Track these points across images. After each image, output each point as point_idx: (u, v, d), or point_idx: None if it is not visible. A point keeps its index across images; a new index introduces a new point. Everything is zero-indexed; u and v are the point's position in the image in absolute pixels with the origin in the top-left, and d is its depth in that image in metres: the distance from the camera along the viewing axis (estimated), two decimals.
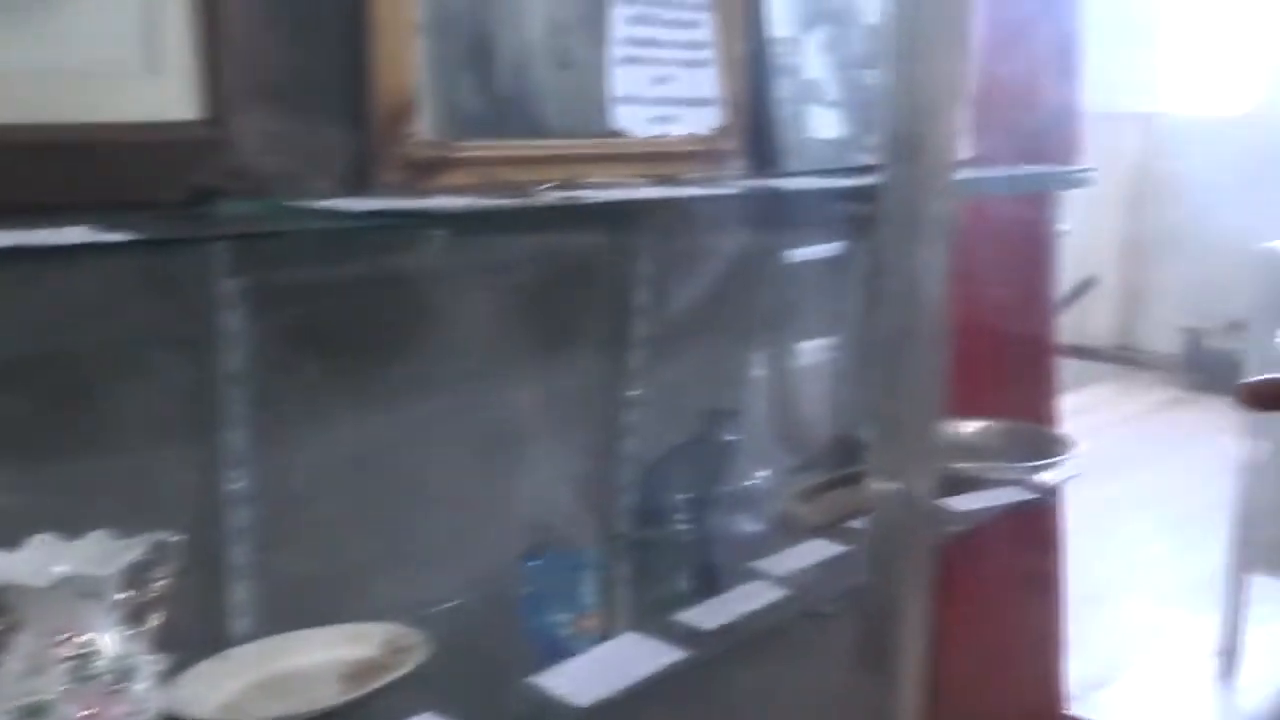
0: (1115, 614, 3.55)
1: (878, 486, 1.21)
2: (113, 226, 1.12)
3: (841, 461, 2.02)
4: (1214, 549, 3.32)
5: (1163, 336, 6.13)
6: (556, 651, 1.55)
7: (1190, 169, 5.74)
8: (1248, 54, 5.96)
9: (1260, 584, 3.26)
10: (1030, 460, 2.22)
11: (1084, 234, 6.26)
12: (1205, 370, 5.67)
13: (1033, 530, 2.53)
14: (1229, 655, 3.25)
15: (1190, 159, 5.79)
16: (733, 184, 1.75)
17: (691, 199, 1.70)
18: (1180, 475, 4.74)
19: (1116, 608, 3.59)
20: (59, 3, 1.21)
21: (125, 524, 1.23)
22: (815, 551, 1.83)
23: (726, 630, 1.65)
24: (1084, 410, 5.84)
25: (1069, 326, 6.09)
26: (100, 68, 1.25)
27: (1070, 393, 6.24)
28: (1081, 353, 5.88)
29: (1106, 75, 6.65)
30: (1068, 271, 6.77)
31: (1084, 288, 6.49)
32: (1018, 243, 2.43)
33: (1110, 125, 6.43)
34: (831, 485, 1.97)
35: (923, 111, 1.19)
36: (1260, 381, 1.09)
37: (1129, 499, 4.50)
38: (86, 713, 1.18)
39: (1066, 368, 6.41)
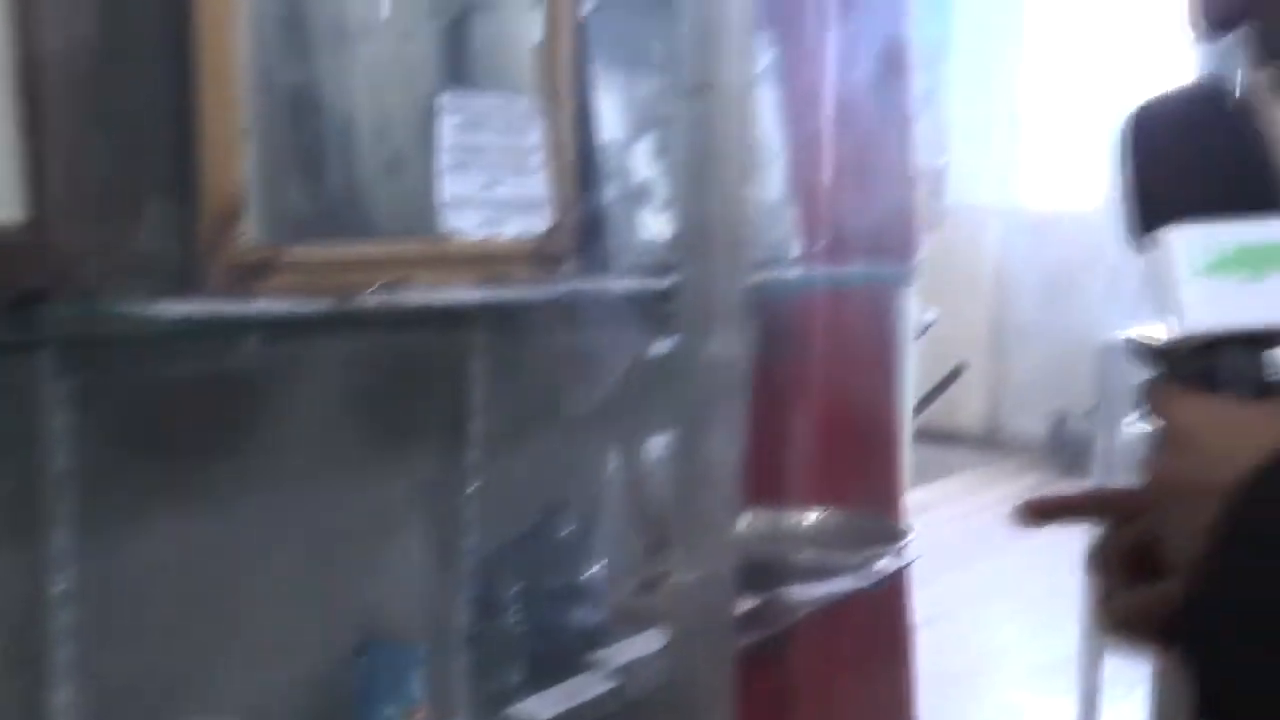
0: (973, 697, 3.63)
1: (676, 578, 1.27)
2: None
3: None
4: (1071, 631, 3.42)
5: (1029, 422, 6.32)
6: None
7: (1049, 260, 5.97)
8: (1099, 151, 6.22)
9: (1114, 665, 3.36)
10: (868, 548, 2.30)
11: (952, 323, 6.46)
12: (1069, 454, 5.85)
13: (881, 616, 2.60)
14: None
15: (1049, 251, 6.02)
16: (562, 285, 1.82)
17: (521, 300, 1.77)
18: (1041, 557, 4.87)
19: (974, 691, 3.67)
20: None
21: None
22: (651, 642, 1.88)
23: None
24: (951, 497, 5.99)
25: (938, 414, 6.26)
26: None
27: (939, 480, 6.40)
28: (950, 439, 6.04)
29: (972, 171, 6.92)
30: (937, 360, 6.98)
31: (952, 376, 6.67)
32: (862, 336, 2.53)
33: (976, 218, 6.68)
34: (669, 576, 2.02)
35: (713, 216, 1.27)
36: (1037, 500, 1.12)
37: (989, 583, 4.63)
38: None
39: (936, 455, 6.58)
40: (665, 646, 1.38)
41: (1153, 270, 0.82)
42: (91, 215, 1.39)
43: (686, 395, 1.32)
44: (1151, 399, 0.82)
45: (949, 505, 5.80)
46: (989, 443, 6.44)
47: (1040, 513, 0.98)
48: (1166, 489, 0.78)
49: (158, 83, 1.48)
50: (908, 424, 2.86)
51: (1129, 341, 0.88)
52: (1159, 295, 0.81)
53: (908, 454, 6.36)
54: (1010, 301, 6.35)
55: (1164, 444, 0.80)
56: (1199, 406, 0.79)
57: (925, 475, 6.36)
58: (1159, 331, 0.84)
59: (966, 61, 6.56)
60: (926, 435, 6.35)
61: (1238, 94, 0.90)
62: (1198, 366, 0.81)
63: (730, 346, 1.30)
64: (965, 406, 6.32)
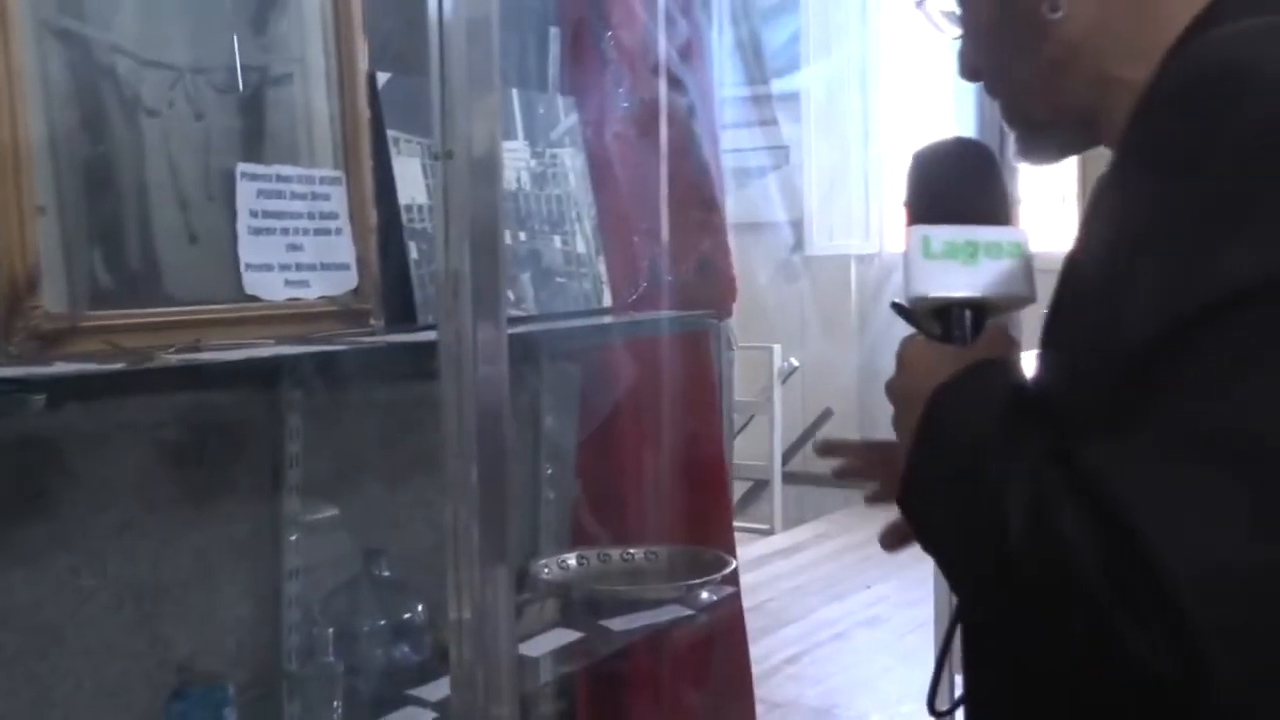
0: None
1: (453, 617, 1.36)
2: None
3: None
4: (931, 662, 3.54)
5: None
6: None
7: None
8: None
9: None
10: (692, 579, 2.41)
11: (819, 369, 6.63)
12: None
13: (716, 644, 2.70)
14: None
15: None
16: (369, 339, 1.92)
17: (329, 354, 1.86)
18: (910, 589, 5.02)
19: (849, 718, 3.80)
20: None
21: None
22: None
23: None
24: (822, 537, 6.13)
25: (809, 458, 6.40)
26: None
27: (811, 520, 6.53)
28: (821, 481, 6.18)
29: (831, 221, 7.12)
30: (806, 406, 7.11)
31: (821, 420, 6.83)
32: (679, 380, 2.63)
33: (837, 265, 6.87)
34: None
35: (461, 271, 1.37)
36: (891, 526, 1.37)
37: (855, 617, 4.76)
38: None
39: (808, 496, 6.71)
40: (451, 684, 1.45)
41: (905, 253, 1.09)
42: None
43: (451, 440, 1.40)
44: (900, 345, 1.11)
45: (820, 544, 5.94)
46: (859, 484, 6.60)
47: (892, 533, 1.34)
48: (895, 400, 1.08)
49: None
50: (731, 460, 2.96)
51: (892, 304, 1.11)
52: (905, 271, 1.08)
53: (778, 496, 6.50)
54: (874, 344, 6.52)
55: (896, 371, 1.10)
56: (919, 345, 1.09)
57: (798, 516, 6.52)
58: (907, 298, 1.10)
59: (822, 116, 6.78)
60: (798, 478, 6.51)
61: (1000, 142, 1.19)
62: (934, 324, 1.09)
63: (491, 392, 1.38)
64: None
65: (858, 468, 1.45)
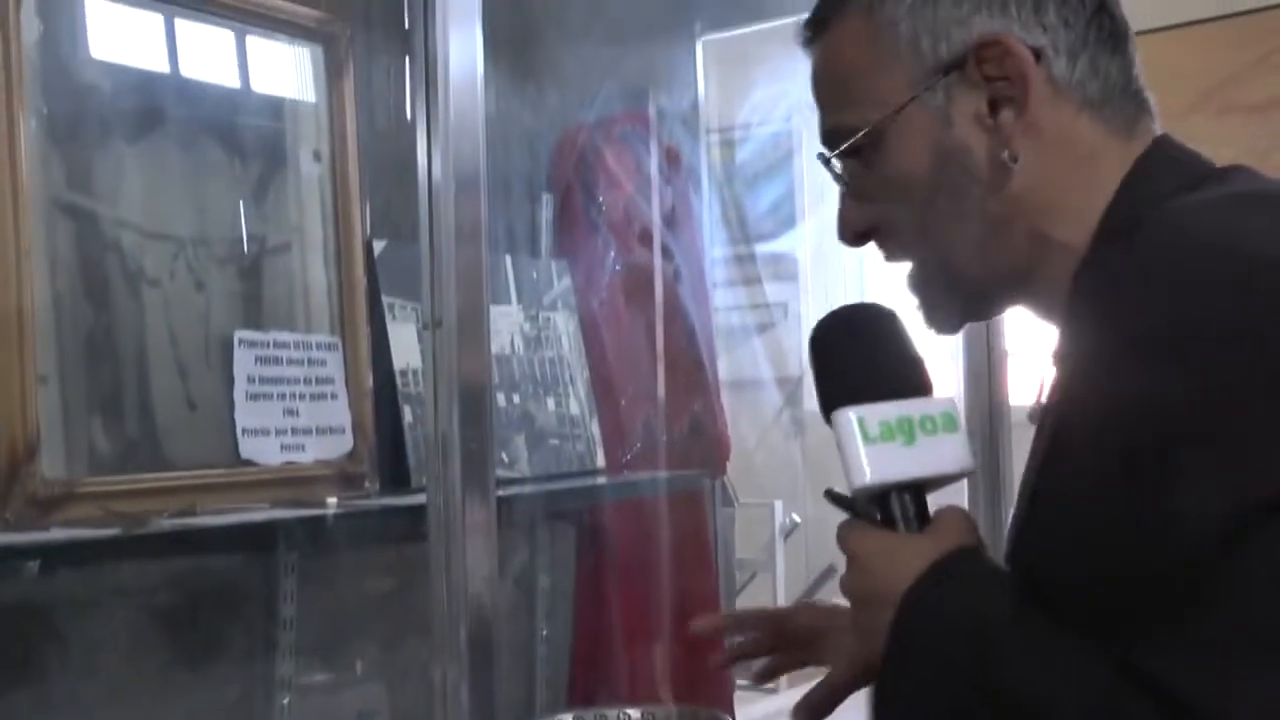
0: None
1: None
2: None
3: None
4: None
5: None
6: None
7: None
8: (941, 350, 6.52)
9: None
10: None
11: (820, 525, 6.60)
12: None
13: None
14: None
15: None
16: (364, 502, 1.95)
17: (323, 517, 1.89)
18: None
19: None
20: None
21: None
22: None
23: None
24: None
25: None
26: None
27: (818, 676, 6.46)
28: None
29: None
30: (810, 561, 7.09)
31: (824, 577, 6.79)
32: (674, 538, 2.65)
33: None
34: None
35: (450, 436, 1.41)
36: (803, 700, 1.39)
37: None
38: None
39: None
40: None
41: (836, 440, 1.02)
42: None
43: (440, 603, 1.42)
44: (840, 536, 1.05)
45: None
46: None
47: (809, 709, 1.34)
48: (854, 601, 1.03)
49: None
50: (752, 602, 2.97)
51: (826, 493, 1.10)
52: (843, 459, 1.01)
53: None
54: None
55: (848, 568, 1.04)
56: (871, 538, 1.03)
57: (805, 674, 6.44)
58: (845, 485, 1.02)
59: (815, 275, 6.88)
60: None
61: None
62: (874, 509, 1.03)
63: (480, 556, 1.41)
64: (839, 604, 6.44)
65: (760, 645, 1.45)
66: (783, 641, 1.39)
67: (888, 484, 1.01)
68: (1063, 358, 0.99)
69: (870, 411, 1.01)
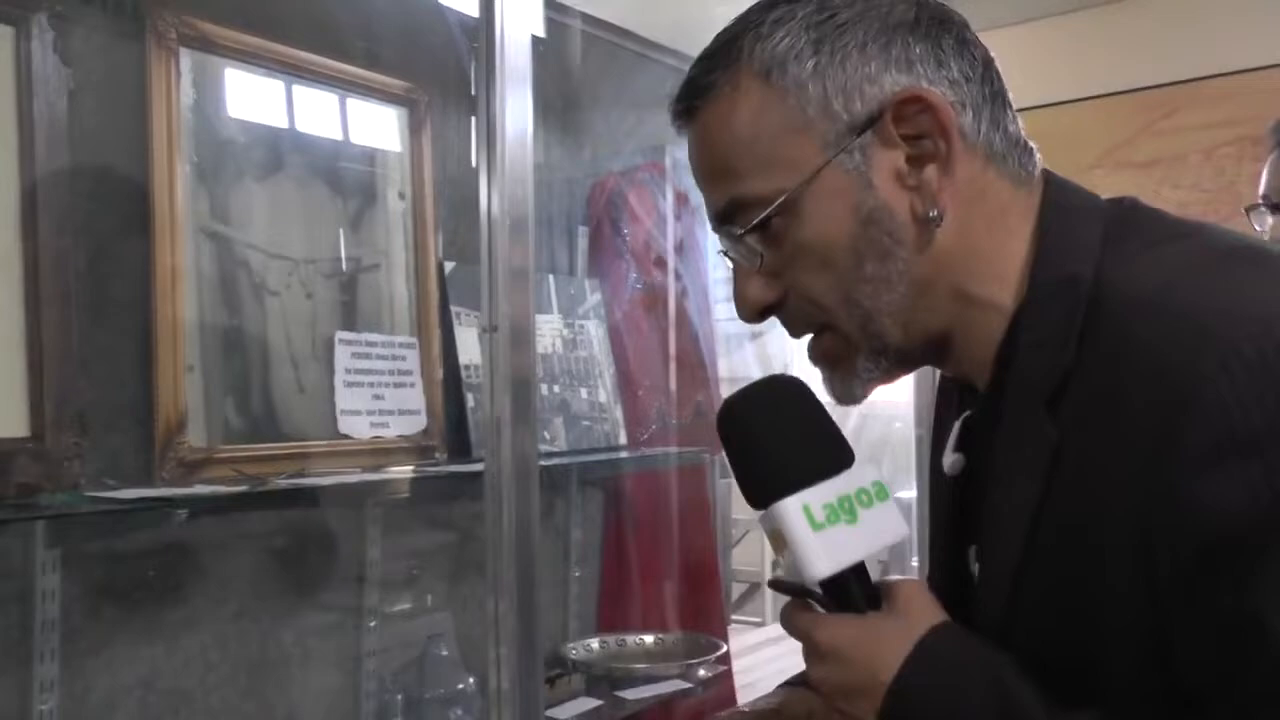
0: None
1: (493, 686, 1.42)
2: None
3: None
4: None
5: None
6: None
7: (874, 441, 6.19)
8: None
9: None
10: (692, 659, 2.46)
11: None
12: None
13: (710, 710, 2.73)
14: None
15: (875, 433, 6.25)
16: (433, 469, 2.03)
17: (402, 480, 1.97)
18: None
19: None
20: None
21: None
22: None
23: None
24: None
25: None
26: None
27: None
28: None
29: (812, 376, 7.18)
30: None
31: None
32: (681, 502, 2.71)
33: None
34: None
35: (503, 417, 1.46)
36: None
37: None
38: None
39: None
40: None
41: (774, 529, 0.82)
42: (75, 429, 1.59)
43: (493, 546, 1.45)
44: (799, 628, 0.84)
45: None
46: None
47: None
48: (833, 693, 0.83)
49: (125, 332, 1.69)
50: (729, 565, 3.02)
51: (771, 581, 0.90)
52: (791, 551, 0.81)
53: (768, 595, 6.47)
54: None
55: (815, 659, 0.83)
56: (840, 628, 0.82)
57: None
58: (789, 571, 0.83)
59: None
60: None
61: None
62: (823, 592, 0.83)
63: (524, 511, 1.43)
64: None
65: None
66: None
67: (843, 569, 0.82)
68: (1007, 424, 0.83)
69: (812, 497, 0.81)
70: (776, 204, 0.83)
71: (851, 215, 0.82)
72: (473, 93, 2.06)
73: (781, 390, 0.87)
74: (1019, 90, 0.89)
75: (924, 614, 0.82)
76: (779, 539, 0.81)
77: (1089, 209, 0.85)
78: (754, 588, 6.56)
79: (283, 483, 1.74)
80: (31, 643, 1.58)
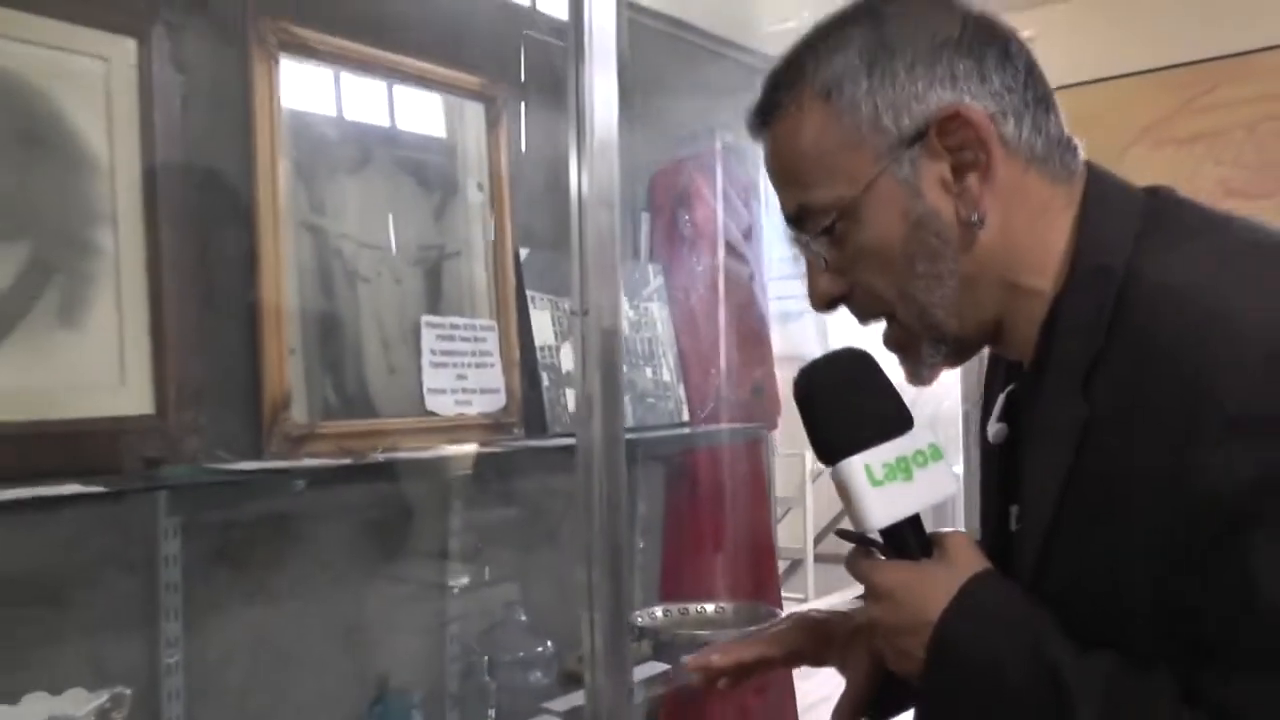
0: None
1: (586, 645, 1.51)
2: (91, 483, 1.48)
3: None
4: None
5: None
6: None
7: None
8: None
9: None
10: (750, 625, 2.58)
11: None
12: None
13: (765, 685, 2.85)
14: None
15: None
16: (512, 444, 2.15)
17: (483, 455, 2.09)
18: None
19: None
20: (68, 347, 1.60)
21: (101, 682, 1.52)
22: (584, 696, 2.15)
23: None
24: (845, 605, 6.20)
25: (835, 541, 6.47)
26: (92, 383, 1.62)
27: (836, 591, 6.57)
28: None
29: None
30: (832, 499, 7.13)
31: (845, 512, 6.94)
32: (738, 476, 2.82)
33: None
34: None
35: (594, 396, 1.53)
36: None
37: None
38: None
39: (834, 573, 6.71)
40: (586, 695, 1.58)
41: (840, 482, 0.94)
42: (194, 408, 1.73)
43: (587, 517, 1.45)
44: (859, 571, 0.96)
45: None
46: None
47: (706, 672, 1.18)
48: (887, 630, 0.94)
49: (233, 317, 1.82)
50: (788, 532, 3.12)
51: (837, 532, 1.05)
52: (852, 504, 0.93)
53: (811, 572, 6.57)
54: None
55: (873, 600, 0.95)
56: (895, 572, 0.93)
57: (827, 588, 6.60)
58: (853, 521, 0.95)
59: None
60: (826, 558, 6.60)
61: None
62: (882, 541, 0.95)
63: (613, 485, 1.47)
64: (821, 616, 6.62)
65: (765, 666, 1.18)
66: (779, 662, 1.19)
67: (897, 521, 0.93)
68: (1046, 395, 0.91)
69: (872, 457, 0.93)
70: (837, 211, 0.93)
71: (903, 220, 0.92)
72: (550, 86, 2.17)
73: (851, 361, 0.99)
74: (1059, 68, 0.97)
75: (969, 562, 0.92)
76: (844, 492, 0.93)
77: (1125, 200, 0.93)
78: (796, 564, 6.67)
79: (381, 456, 1.87)
80: (158, 602, 1.72)
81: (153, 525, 1.71)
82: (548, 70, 2.31)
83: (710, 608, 2.69)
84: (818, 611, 1.20)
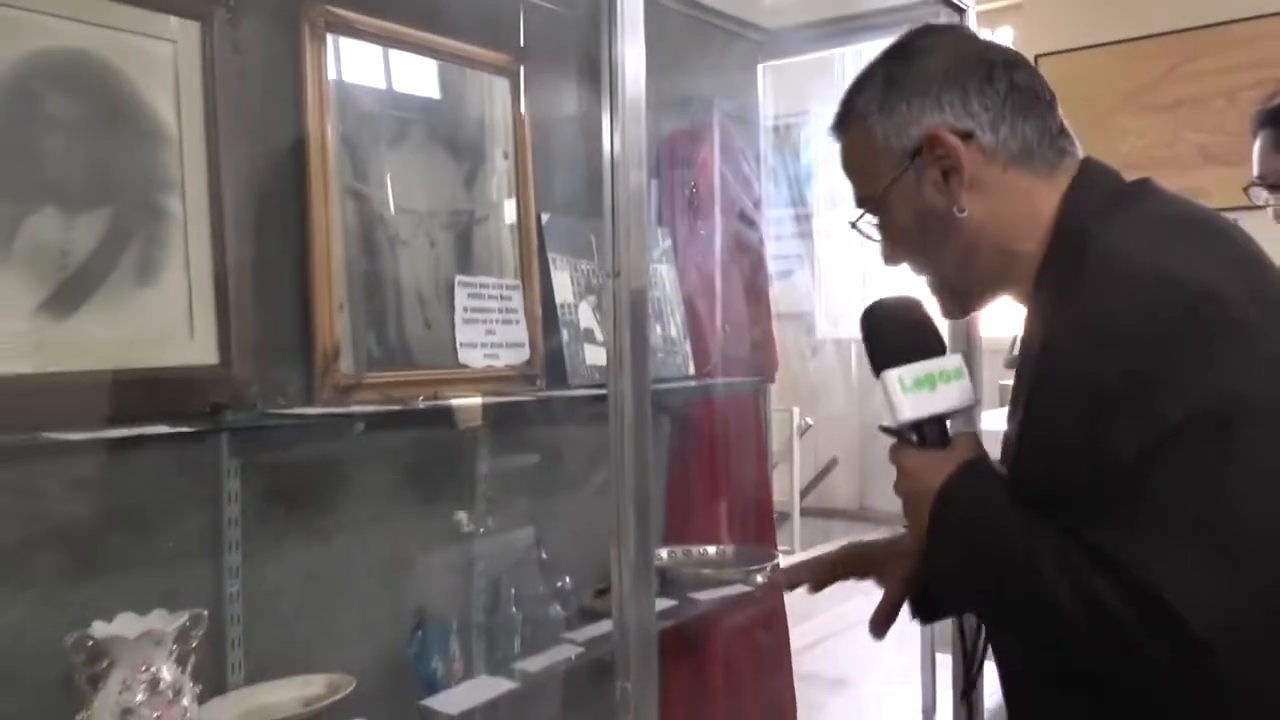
0: (846, 692, 4.05)
1: (615, 577, 1.65)
2: (172, 425, 1.65)
3: None
4: (915, 646, 3.82)
5: (887, 500, 6.73)
6: (435, 686, 2.03)
7: None
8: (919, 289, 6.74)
9: (945, 661, 3.76)
10: (749, 567, 2.76)
11: (827, 427, 6.93)
12: None
13: (764, 610, 3.01)
14: (929, 715, 3.74)
15: None
16: (536, 395, 2.31)
17: (511, 404, 2.25)
18: None
19: (846, 687, 4.09)
20: (144, 304, 1.75)
21: (174, 605, 1.67)
22: (601, 628, 2.32)
23: (544, 672, 2.15)
24: None
25: (819, 496, 6.68)
26: (164, 336, 1.77)
27: (821, 544, 6.78)
28: (828, 514, 6.49)
29: (836, 312, 7.40)
30: (817, 455, 7.35)
31: (829, 467, 7.11)
32: (740, 426, 2.98)
33: (842, 347, 7.18)
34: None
35: (624, 352, 1.63)
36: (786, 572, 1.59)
37: (858, 615, 5.01)
38: (157, 714, 1.59)
39: (818, 525, 6.93)
40: (611, 628, 1.69)
41: (883, 390, 1.25)
42: (254, 359, 1.87)
43: (617, 456, 1.63)
44: (891, 455, 1.27)
45: None
46: (858, 516, 6.89)
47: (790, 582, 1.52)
48: (904, 498, 1.23)
49: (287, 276, 1.97)
50: (776, 486, 3.28)
51: (879, 426, 1.40)
52: (888, 403, 1.24)
53: (797, 524, 6.76)
54: (870, 409, 6.82)
55: (901, 477, 1.24)
56: (913, 455, 1.24)
57: (812, 540, 6.78)
58: (890, 419, 1.25)
59: (825, 233, 7.12)
60: (811, 511, 6.79)
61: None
62: (912, 434, 1.25)
63: (640, 433, 1.63)
64: (840, 489, 6.78)
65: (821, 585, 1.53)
66: (838, 576, 1.53)
67: (920, 419, 1.23)
68: (1032, 329, 1.19)
69: (906, 371, 1.22)
70: (872, 203, 1.30)
71: (912, 211, 1.26)
72: (581, 54, 2.31)
73: (901, 303, 1.30)
74: (1046, 36, 1.28)
75: (970, 452, 1.22)
76: (885, 393, 1.24)
77: (1105, 186, 1.21)
78: (782, 517, 6.85)
79: (423, 404, 2.02)
80: (221, 536, 1.88)
81: (216, 465, 1.86)
82: (554, 39, 2.42)
83: (712, 549, 2.86)
84: (864, 541, 1.55)
